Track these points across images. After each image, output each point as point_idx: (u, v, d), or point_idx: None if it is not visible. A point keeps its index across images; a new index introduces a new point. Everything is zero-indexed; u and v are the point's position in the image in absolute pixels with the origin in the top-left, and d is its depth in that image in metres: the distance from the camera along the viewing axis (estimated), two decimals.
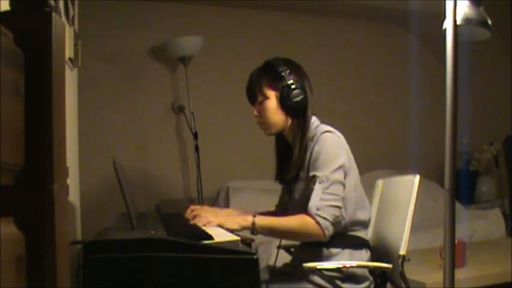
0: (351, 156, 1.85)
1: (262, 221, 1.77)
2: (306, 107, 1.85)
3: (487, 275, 2.70)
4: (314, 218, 1.70)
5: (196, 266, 1.21)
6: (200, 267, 1.22)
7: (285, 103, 1.84)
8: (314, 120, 1.88)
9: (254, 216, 1.77)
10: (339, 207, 1.74)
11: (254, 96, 1.91)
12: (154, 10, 3.75)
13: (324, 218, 1.70)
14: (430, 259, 2.73)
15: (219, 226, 1.74)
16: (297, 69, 1.88)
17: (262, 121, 1.90)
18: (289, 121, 1.88)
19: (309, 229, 1.72)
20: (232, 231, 1.71)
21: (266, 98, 1.87)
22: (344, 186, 1.77)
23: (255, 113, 1.92)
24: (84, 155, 2.81)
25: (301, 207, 1.76)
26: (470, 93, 3.67)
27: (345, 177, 1.78)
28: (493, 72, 4.40)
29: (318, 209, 1.71)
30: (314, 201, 1.72)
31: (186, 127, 3.73)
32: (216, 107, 3.92)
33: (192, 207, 2.03)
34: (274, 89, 1.86)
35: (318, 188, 1.73)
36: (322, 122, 1.90)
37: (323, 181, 1.73)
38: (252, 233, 1.78)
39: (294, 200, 1.89)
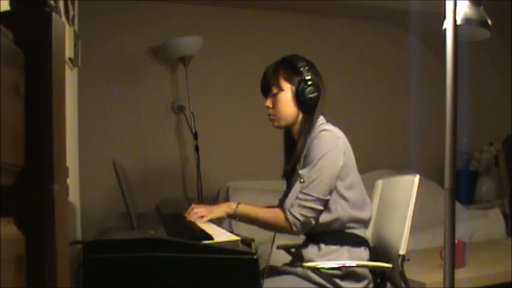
0: (351, 155, 1.87)
1: (244, 208, 1.89)
2: (317, 105, 1.89)
3: (487, 275, 2.70)
4: (285, 214, 1.81)
5: (196, 266, 1.21)
6: (200, 267, 1.22)
7: (299, 97, 1.88)
8: (320, 119, 1.91)
9: (239, 203, 1.89)
10: (312, 209, 1.79)
11: (269, 87, 1.93)
12: (154, 10, 3.75)
13: (294, 216, 1.79)
14: (430, 259, 2.73)
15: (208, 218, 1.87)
16: (313, 68, 1.92)
17: (274, 112, 1.93)
18: (300, 116, 1.92)
19: (279, 223, 1.83)
20: (232, 231, 1.72)
21: (281, 90, 1.90)
22: (328, 186, 1.80)
23: (269, 104, 1.94)
24: (84, 155, 2.81)
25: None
26: (470, 93, 3.67)
27: (338, 177, 1.81)
28: (493, 72, 4.40)
29: (291, 206, 1.80)
30: (290, 199, 1.82)
31: (186, 127, 3.73)
32: (216, 107, 3.92)
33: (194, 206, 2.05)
34: (290, 82, 1.90)
35: (297, 187, 1.81)
36: (328, 121, 1.92)
37: (303, 181, 1.80)
38: (235, 218, 1.92)
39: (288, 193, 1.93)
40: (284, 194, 2.12)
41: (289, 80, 1.89)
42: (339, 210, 1.82)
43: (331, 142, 1.82)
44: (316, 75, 1.90)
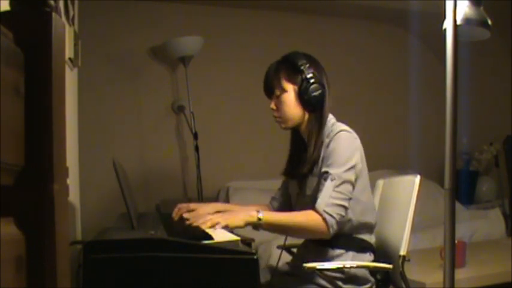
0: (364, 158, 1.85)
1: (269, 216, 1.72)
2: (323, 102, 1.84)
3: (487, 275, 2.70)
4: (321, 215, 1.70)
5: (196, 266, 1.21)
6: (200, 267, 1.22)
7: (302, 97, 1.82)
8: (330, 118, 1.88)
9: (258, 211, 1.71)
10: (345, 208, 1.73)
11: (271, 89, 1.88)
12: (154, 10, 3.75)
13: (331, 216, 1.70)
14: (430, 259, 2.73)
15: (225, 227, 1.67)
16: (315, 64, 1.86)
17: (279, 115, 1.88)
18: (306, 116, 1.87)
19: (315, 226, 1.71)
20: (231, 230, 1.69)
21: (284, 91, 1.85)
22: (354, 187, 1.77)
23: (273, 106, 1.89)
24: (84, 155, 2.81)
25: (312, 202, 1.75)
26: (470, 93, 3.67)
27: (356, 179, 1.78)
28: (493, 72, 4.39)
29: (326, 206, 1.70)
30: (323, 199, 1.71)
31: (186, 127, 3.73)
32: (216, 107, 3.92)
33: (180, 205, 1.94)
34: (292, 82, 1.84)
35: (328, 185, 1.72)
36: (338, 120, 1.89)
37: (334, 179, 1.73)
38: (255, 228, 1.73)
39: (304, 195, 1.87)
40: (281, 193, 2.10)
41: (291, 80, 1.84)
42: (350, 213, 1.79)
43: (352, 143, 1.79)
44: (318, 72, 1.84)
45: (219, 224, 1.66)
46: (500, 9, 3.65)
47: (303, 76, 1.82)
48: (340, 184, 1.72)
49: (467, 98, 3.17)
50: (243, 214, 1.72)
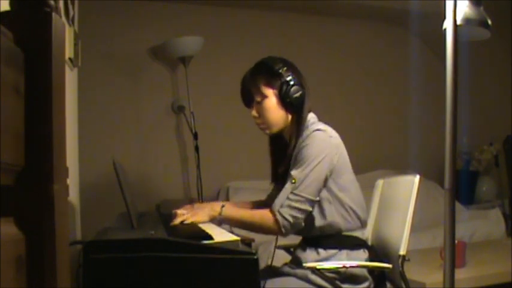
0: (345, 155, 1.84)
1: (229, 211, 1.83)
2: (303, 103, 1.85)
3: (487, 275, 2.70)
4: (274, 215, 1.75)
5: (196, 266, 1.22)
6: (200, 267, 1.22)
7: (284, 100, 1.83)
8: (311, 117, 1.87)
9: (222, 206, 1.83)
10: (302, 210, 1.75)
11: (250, 97, 1.89)
12: (154, 10, 3.75)
13: (284, 218, 1.74)
14: (430, 259, 2.73)
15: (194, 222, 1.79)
16: (291, 66, 1.87)
17: (262, 121, 1.88)
18: (289, 118, 1.87)
19: (267, 224, 1.77)
20: (232, 231, 1.70)
21: (265, 97, 1.85)
22: (319, 187, 1.77)
23: (254, 113, 1.90)
24: (84, 155, 2.81)
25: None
26: (470, 93, 3.67)
27: (331, 178, 1.78)
28: (493, 72, 4.40)
29: (281, 207, 1.75)
30: (279, 199, 1.76)
31: (186, 127, 3.73)
32: (216, 107, 3.92)
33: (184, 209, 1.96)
34: (272, 87, 1.85)
35: (287, 188, 1.76)
36: (320, 120, 1.89)
37: (294, 181, 1.75)
38: (220, 222, 1.84)
39: None
40: (269, 195, 2.09)
41: (270, 85, 1.84)
42: (334, 212, 1.79)
43: (323, 142, 1.79)
44: (296, 73, 1.85)
45: (187, 220, 1.78)
46: (500, 9, 3.65)
47: (282, 79, 1.83)
48: (299, 186, 1.74)
49: (467, 98, 3.17)
50: (208, 209, 1.84)
